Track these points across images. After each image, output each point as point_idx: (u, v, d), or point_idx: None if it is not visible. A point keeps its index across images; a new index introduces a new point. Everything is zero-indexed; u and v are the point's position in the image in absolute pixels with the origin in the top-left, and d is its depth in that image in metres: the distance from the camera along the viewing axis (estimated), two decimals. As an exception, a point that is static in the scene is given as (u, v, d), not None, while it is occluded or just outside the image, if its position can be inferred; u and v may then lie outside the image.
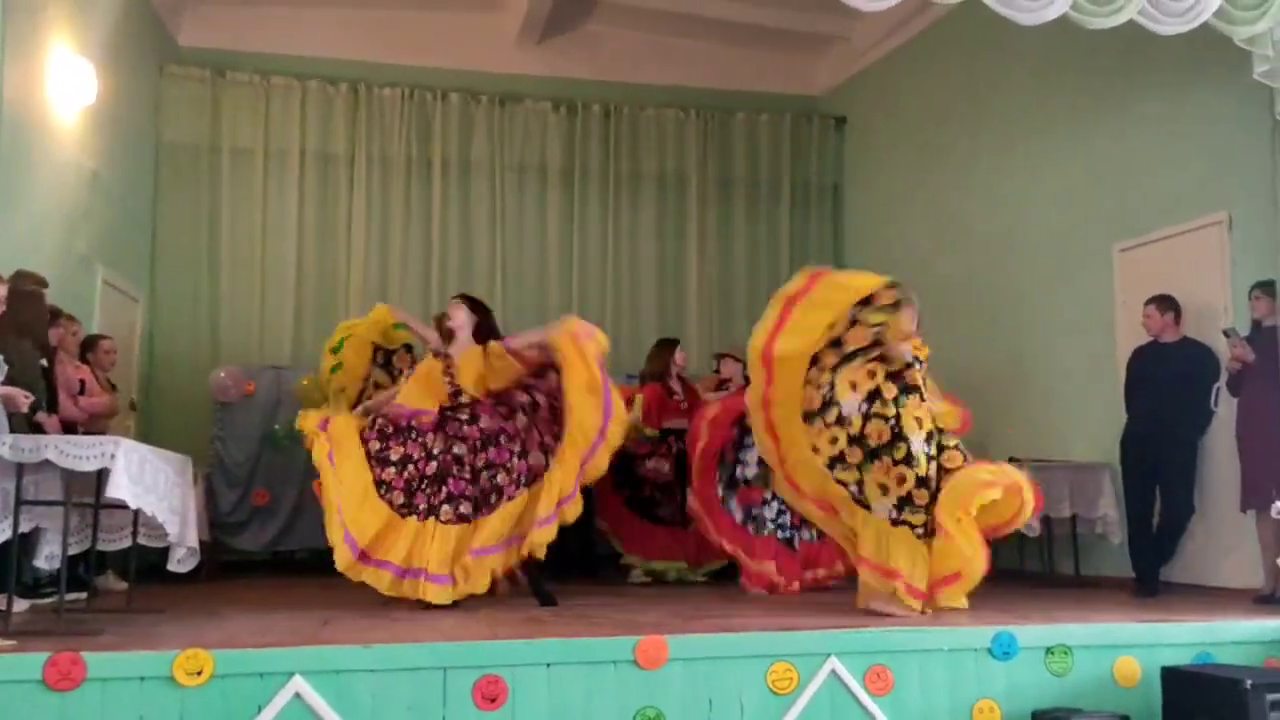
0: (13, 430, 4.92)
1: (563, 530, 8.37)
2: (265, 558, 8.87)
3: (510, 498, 5.97)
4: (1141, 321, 7.07)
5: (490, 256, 10.73)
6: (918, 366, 5.81)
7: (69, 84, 7.49)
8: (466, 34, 10.76)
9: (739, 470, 7.48)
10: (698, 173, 11.24)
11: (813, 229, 11.50)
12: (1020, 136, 8.86)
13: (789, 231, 11.40)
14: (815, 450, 5.74)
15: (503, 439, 6.10)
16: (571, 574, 8.07)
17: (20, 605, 5.10)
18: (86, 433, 6.20)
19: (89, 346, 7.11)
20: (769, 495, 7.26)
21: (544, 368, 6.19)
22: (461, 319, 6.37)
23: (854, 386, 5.68)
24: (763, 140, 11.43)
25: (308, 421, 5.98)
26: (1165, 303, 6.96)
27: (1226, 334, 6.44)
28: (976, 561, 5.45)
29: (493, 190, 10.77)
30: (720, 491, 7.47)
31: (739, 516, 7.41)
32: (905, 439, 5.57)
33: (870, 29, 10.58)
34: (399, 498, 5.92)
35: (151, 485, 4.90)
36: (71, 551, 5.17)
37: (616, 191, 11.05)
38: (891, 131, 10.72)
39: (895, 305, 5.74)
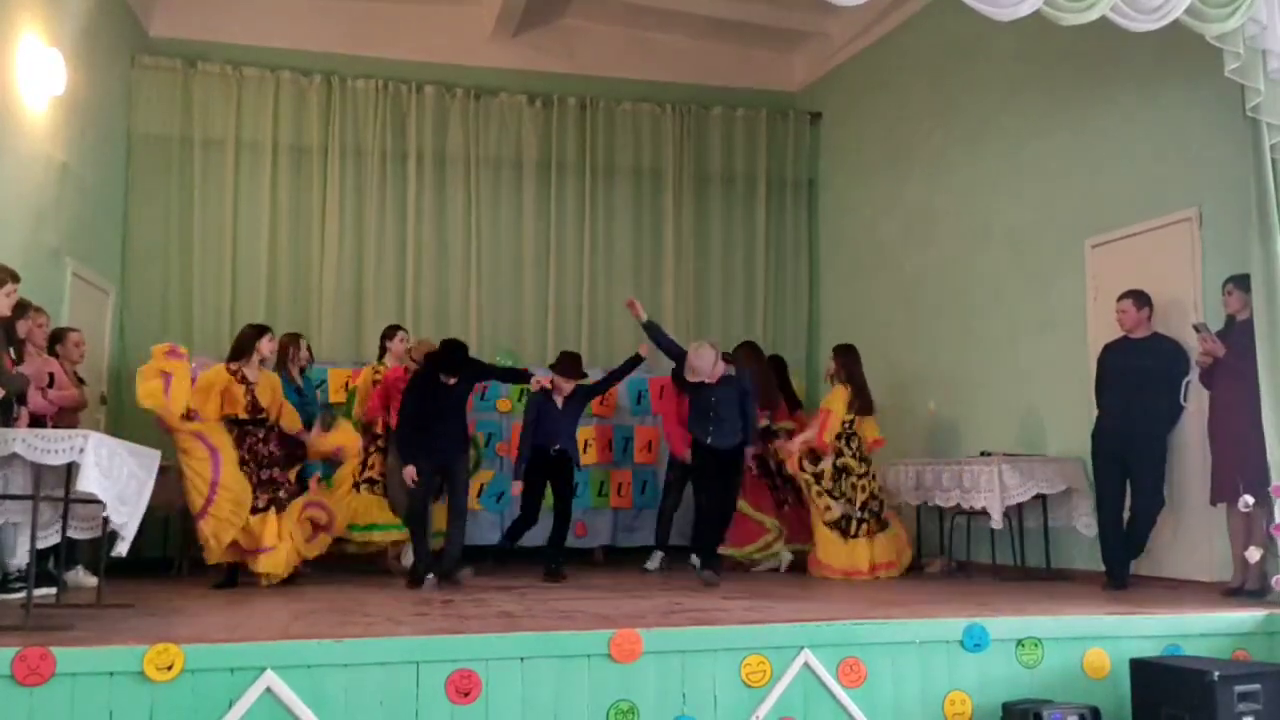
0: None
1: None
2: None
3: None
4: (1116, 316, 7.10)
5: (465, 251, 10.69)
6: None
7: (38, 74, 7.41)
8: (441, 26, 10.73)
9: None
10: (674, 167, 11.24)
11: (788, 224, 11.53)
12: (993, 132, 8.90)
13: (764, 226, 11.42)
14: None
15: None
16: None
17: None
18: (55, 426, 6.15)
19: (57, 339, 7.05)
20: None
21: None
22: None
23: None
24: (738, 135, 11.45)
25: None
26: (1141, 298, 7.01)
27: (1197, 329, 6.49)
28: None
29: (468, 184, 10.74)
30: None
31: None
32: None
33: (846, 25, 10.61)
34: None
35: (117, 478, 4.86)
36: (41, 545, 5.12)
37: (592, 186, 11.04)
38: (866, 127, 10.75)
39: None
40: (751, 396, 7.92)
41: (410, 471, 7.09)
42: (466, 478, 7.52)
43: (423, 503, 7.16)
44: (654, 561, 8.44)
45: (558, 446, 7.94)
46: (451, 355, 7.32)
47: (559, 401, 8.03)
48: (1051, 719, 4.63)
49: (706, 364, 7.59)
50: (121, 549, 5.26)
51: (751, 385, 7.98)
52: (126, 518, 5.12)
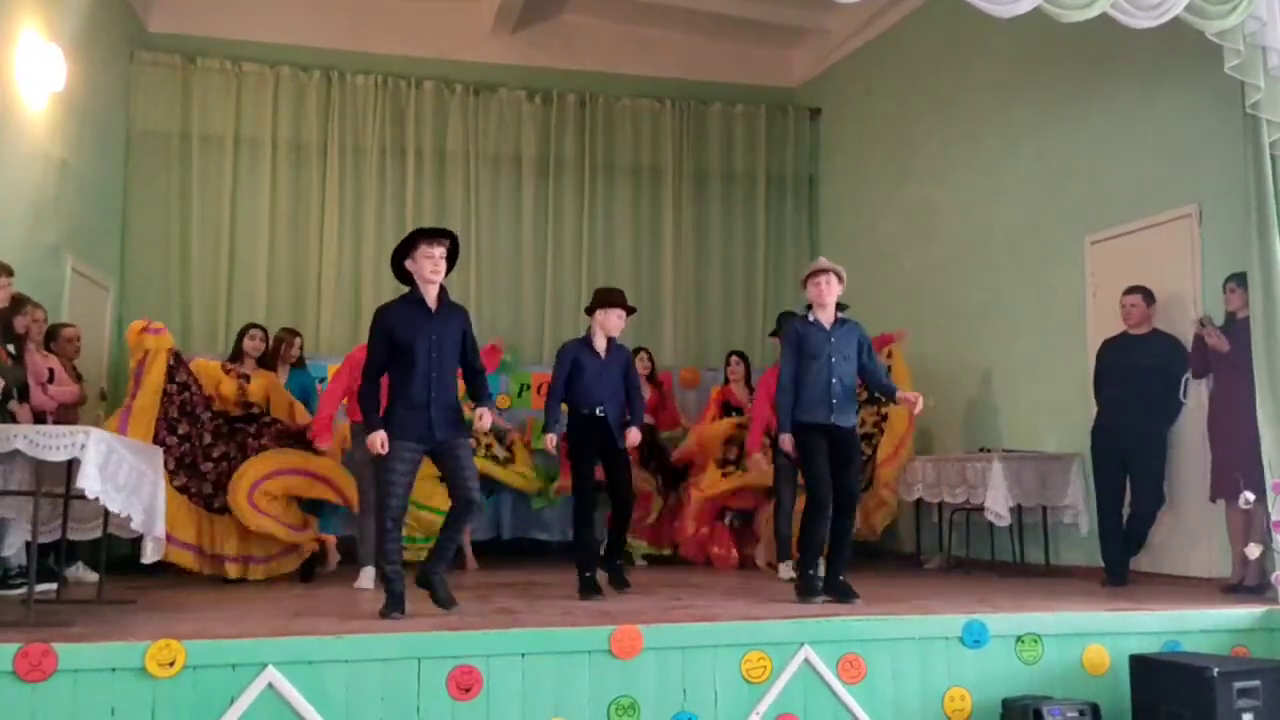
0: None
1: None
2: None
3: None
4: (1122, 311, 7.09)
5: (464, 247, 10.54)
6: None
7: (38, 71, 7.40)
8: (441, 22, 10.73)
9: None
10: (673, 163, 11.24)
11: (788, 220, 11.53)
12: (993, 128, 8.90)
13: (764, 222, 11.42)
14: None
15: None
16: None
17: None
18: (56, 422, 6.15)
19: (52, 335, 7.04)
20: None
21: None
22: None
23: None
24: (738, 131, 11.44)
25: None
26: (1148, 294, 7.01)
27: (1202, 323, 6.48)
28: None
29: (467, 180, 10.74)
30: None
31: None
32: None
33: (845, 22, 10.60)
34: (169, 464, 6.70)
35: (117, 477, 4.85)
36: (41, 540, 5.12)
37: (592, 182, 11.03)
38: (866, 124, 10.74)
39: None
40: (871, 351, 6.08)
41: (378, 438, 5.03)
42: (472, 460, 5.33)
43: (403, 501, 5.15)
44: (786, 570, 7.12)
45: (600, 408, 6.27)
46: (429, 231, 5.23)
47: (601, 350, 6.42)
48: (1051, 715, 4.64)
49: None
50: (149, 551, 5.25)
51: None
52: (145, 516, 5.11)
